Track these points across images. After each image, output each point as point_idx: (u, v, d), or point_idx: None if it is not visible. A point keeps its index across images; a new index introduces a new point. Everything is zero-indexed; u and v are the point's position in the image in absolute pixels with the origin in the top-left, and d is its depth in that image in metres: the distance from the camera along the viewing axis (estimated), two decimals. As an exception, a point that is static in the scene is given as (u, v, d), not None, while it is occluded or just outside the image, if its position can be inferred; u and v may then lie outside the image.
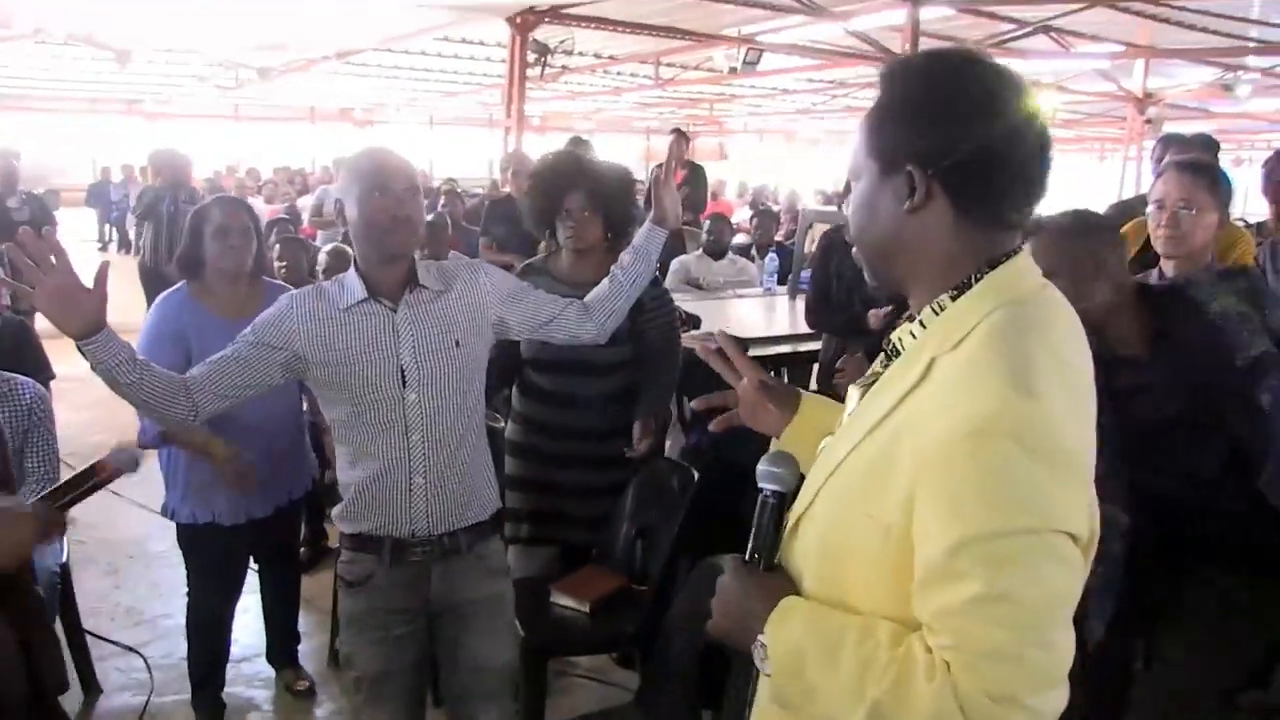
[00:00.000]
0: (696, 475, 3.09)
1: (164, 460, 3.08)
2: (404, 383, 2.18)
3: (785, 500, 1.31)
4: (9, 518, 1.76)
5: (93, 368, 1.96)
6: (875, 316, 3.89)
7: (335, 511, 2.31)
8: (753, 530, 1.32)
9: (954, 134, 1.16)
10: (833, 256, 4.24)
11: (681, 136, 7.73)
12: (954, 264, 1.21)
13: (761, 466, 1.34)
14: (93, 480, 1.89)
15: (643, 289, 2.55)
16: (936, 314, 1.21)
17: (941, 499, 1.09)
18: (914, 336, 1.23)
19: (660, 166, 2.55)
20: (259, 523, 3.09)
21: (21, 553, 1.81)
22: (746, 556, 1.31)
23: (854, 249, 1.34)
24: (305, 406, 3.31)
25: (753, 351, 4.33)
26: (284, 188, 14.35)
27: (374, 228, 2.17)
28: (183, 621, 3.24)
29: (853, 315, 4.09)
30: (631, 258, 2.50)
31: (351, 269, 2.26)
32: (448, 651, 2.34)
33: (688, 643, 2.28)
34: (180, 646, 3.31)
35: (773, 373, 4.41)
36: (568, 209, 3.08)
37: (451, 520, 2.26)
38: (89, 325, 1.89)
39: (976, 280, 1.19)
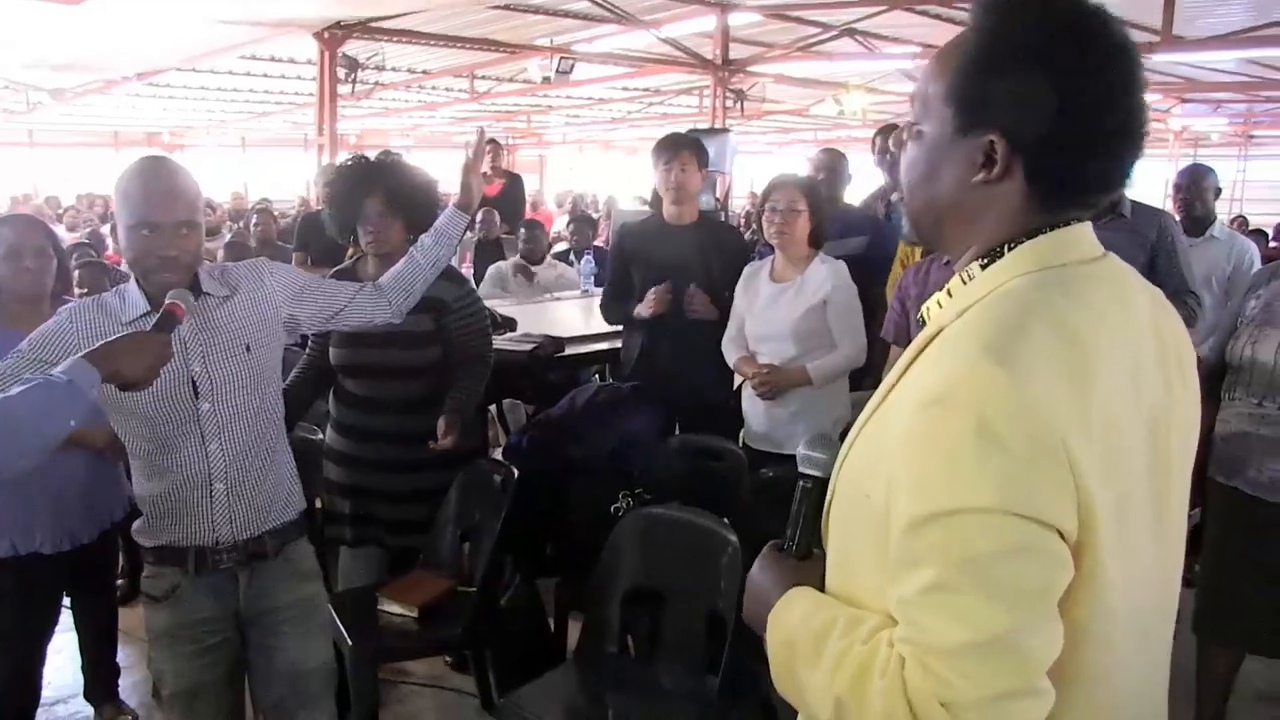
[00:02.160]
0: (517, 473, 3.13)
1: None
2: (196, 393, 2.14)
3: (824, 486, 1.19)
4: (140, 340, 1.87)
5: None
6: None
7: (135, 526, 2.25)
8: (789, 516, 1.23)
9: (1057, 106, 0.99)
10: (626, 248, 4.00)
11: (493, 141, 7.73)
12: (1005, 237, 1.07)
13: (801, 450, 1.24)
14: (176, 320, 1.97)
15: (440, 270, 2.59)
16: (964, 284, 1.09)
17: (906, 475, 0.98)
18: (940, 306, 1.11)
19: (468, 147, 2.58)
20: (79, 550, 2.96)
21: (151, 376, 1.87)
22: (783, 545, 1.23)
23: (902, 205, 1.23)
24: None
25: (571, 350, 4.39)
26: (86, 214, 13.66)
27: (141, 266, 2.12)
28: (-19, 674, 3.06)
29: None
30: (432, 240, 2.54)
31: (133, 281, 2.19)
32: (263, 659, 2.30)
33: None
34: (-23, 700, 3.12)
35: (595, 373, 4.49)
36: (366, 214, 3.05)
37: (256, 524, 2.23)
38: None
39: (1010, 249, 1.06)
